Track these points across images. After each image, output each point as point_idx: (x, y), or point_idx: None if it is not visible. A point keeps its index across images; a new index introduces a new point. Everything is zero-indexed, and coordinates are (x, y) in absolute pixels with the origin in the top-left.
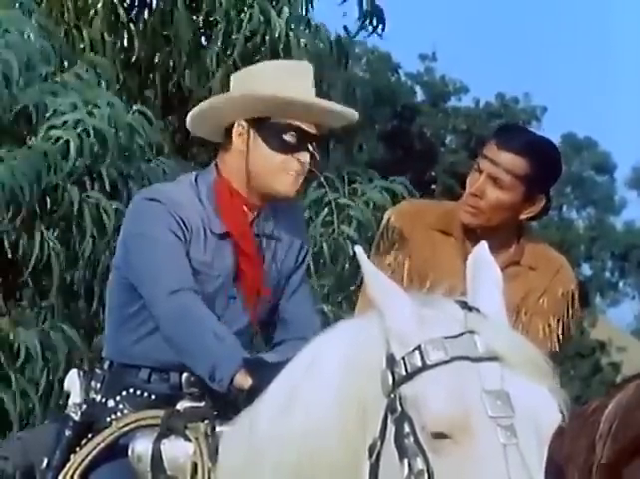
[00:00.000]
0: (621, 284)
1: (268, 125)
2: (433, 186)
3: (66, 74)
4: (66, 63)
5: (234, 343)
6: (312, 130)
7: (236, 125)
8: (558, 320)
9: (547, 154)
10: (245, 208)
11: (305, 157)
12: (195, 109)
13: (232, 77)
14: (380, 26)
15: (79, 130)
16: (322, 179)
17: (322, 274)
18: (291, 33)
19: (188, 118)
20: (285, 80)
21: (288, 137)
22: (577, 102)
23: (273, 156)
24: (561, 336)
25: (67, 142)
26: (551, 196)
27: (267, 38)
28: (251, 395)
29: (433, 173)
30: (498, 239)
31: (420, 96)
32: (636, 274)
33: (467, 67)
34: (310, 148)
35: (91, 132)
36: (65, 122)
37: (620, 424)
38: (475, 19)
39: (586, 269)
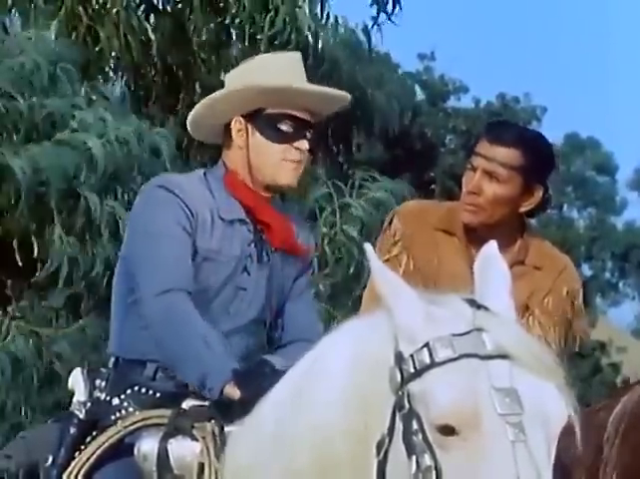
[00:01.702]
0: (621, 285)
1: (262, 116)
2: (433, 186)
3: (90, 90)
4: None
5: (223, 352)
6: (307, 117)
7: (234, 122)
8: (564, 319)
9: (539, 144)
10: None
11: (304, 145)
12: (195, 109)
13: (226, 77)
14: (397, 8)
15: (103, 140)
16: (326, 180)
17: (325, 276)
18: (320, 33)
19: (189, 120)
20: (277, 70)
21: (284, 126)
22: (578, 103)
23: (271, 146)
24: (566, 335)
25: (91, 150)
26: (549, 187)
27: (293, 37)
28: (242, 406)
29: (432, 174)
30: (500, 237)
31: (419, 96)
32: (636, 275)
33: (466, 67)
34: (308, 136)
35: (114, 142)
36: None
37: (627, 426)
38: (474, 18)
39: (586, 269)
